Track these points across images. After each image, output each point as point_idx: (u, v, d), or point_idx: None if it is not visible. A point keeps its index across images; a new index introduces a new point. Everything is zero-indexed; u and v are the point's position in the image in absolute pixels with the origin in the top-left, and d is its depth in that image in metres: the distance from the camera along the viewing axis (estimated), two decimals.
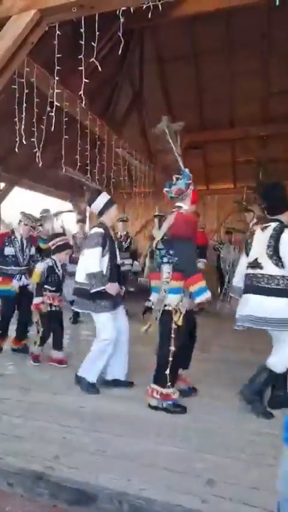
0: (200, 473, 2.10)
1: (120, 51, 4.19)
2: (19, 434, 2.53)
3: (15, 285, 4.30)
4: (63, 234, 4.61)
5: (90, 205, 3.51)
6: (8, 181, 8.86)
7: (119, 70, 8.98)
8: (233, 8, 6.45)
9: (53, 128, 4.11)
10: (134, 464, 2.18)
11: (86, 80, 3.67)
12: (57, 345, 4.04)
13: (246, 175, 9.66)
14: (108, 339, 3.22)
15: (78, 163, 5.56)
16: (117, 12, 3.17)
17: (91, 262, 3.21)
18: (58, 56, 3.68)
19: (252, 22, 7.83)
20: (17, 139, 3.78)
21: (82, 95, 3.73)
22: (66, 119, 5.23)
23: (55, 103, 4.34)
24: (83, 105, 4.85)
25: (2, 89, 3.65)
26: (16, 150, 3.75)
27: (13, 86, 3.80)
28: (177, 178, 3.12)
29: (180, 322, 2.84)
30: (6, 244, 4.34)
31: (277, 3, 3.20)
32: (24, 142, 3.93)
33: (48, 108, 4.15)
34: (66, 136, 4.99)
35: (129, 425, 2.65)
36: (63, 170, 4.59)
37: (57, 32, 3.48)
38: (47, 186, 10.16)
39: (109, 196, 3.42)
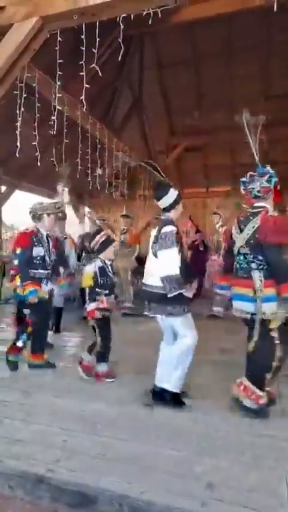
0: (200, 476, 2.11)
1: (120, 57, 4.24)
2: (20, 438, 2.55)
3: (45, 290, 3.86)
4: (100, 229, 4.07)
5: (159, 199, 3.16)
6: (9, 184, 8.91)
7: (119, 75, 9.05)
8: (232, 13, 6.50)
9: (54, 132, 4.15)
10: (135, 467, 2.20)
11: (87, 85, 3.72)
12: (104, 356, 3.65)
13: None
14: (192, 342, 3.02)
15: (79, 167, 5.59)
16: (118, 19, 3.21)
17: (169, 264, 2.90)
18: (59, 61, 3.73)
19: (251, 26, 7.89)
20: (18, 143, 3.81)
21: (83, 100, 3.77)
22: (67, 123, 5.27)
23: (57, 107, 4.40)
24: (84, 110, 4.90)
25: (4, 94, 3.69)
26: (17, 154, 3.78)
27: (15, 92, 3.84)
28: (252, 176, 3.03)
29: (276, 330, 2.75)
30: (35, 243, 3.79)
31: (275, 8, 3.24)
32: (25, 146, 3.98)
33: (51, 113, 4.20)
34: (67, 141, 5.03)
35: (130, 428, 2.67)
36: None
37: (59, 38, 3.53)
38: (48, 190, 10.21)
39: (177, 191, 3.20)
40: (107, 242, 3.67)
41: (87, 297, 3.56)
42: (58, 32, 3.40)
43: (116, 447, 2.42)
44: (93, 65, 3.53)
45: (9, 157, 7.07)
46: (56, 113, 4.26)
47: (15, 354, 3.87)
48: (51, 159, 4.67)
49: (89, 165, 6.03)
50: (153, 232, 3.17)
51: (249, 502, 1.90)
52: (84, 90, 3.70)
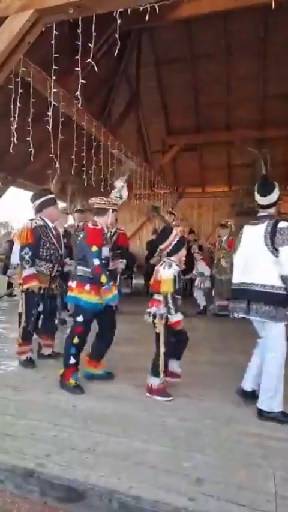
0: (189, 472, 2.12)
1: (117, 53, 4.22)
2: (11, 433, 2.53)
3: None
4: (170, 227, 3.65)
5: (265, 195, 3.05)
6: (3, 181, 8.86)
7: (116, 71, 9.03)
8: (229, 10, 6.51)
9: (50, 128, 4.12)
10: (124, 463, 2.20)
11: (83, 81, 3.69)
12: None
13: (242, 179, 9.74)
14: (284, 351, 2.82)
15: (74, 164, 5.57)
16: (114, 14, 3.20)
17: None
18: (55, 56, 3.70)
19: (248, 26, 7.93)
20: (12, 139, 3.78)
21: (79, 95, 3.75)
22: (63, 119, 5.24)
23: (52, 102, 4.37)
24: (79, 106, 4.87)
25: None
26: (11, 150, 3.75)
27: (9, 86, 3.81)
28: None
29: None
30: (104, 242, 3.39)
31: (273, 6, 3.24)
32: (19, 142, 3.94)
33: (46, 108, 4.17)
34: (62, 137, 5.00)
35: (120, 424, 2.66)
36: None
37: (55, 32, 3.50)
38: (41, 186, 10.17)
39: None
40: (181, 243, 3.31)
41: (167, 305, 3.09)
42: (54, 26, 3.38)
43: (106, 443, 2.42)
44: (89, 60, 3.51)
45: (4, 153, 7.02)
46: (51, 108, 4.24)
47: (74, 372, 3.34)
48: (50, 155, 4.64)
49: (84, 162, 6.00)
50: (254, 228, 3.00)
51: (237, 498, 1.91)
52: (80, 86, 3.68)
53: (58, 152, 4.86)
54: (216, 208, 11.28)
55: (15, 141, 3.84)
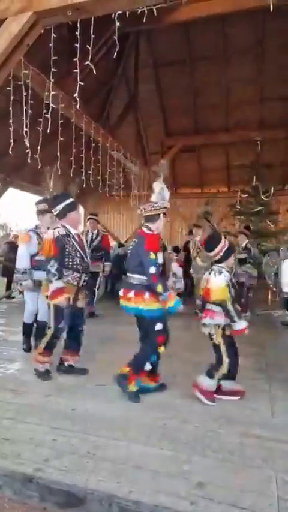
0: (189, 475, 2.10)
1: (115, 55, 4.22)
2: (9, 437, 2.51)
3: None
4: (218, 234, 3.60)
5: None
6: (2, 182, 8.85)
7: (114, 73, 9.04)
8: (227, 14, 6.53)
9: (48, 129, 4.12)
10: (124, 467, 2.18)
11: (81, 83, 3.70)
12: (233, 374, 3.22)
13: (240, 180, 9.76)
14: None
15: (73, 166, 5.57)
16: (113, 16, 3.20)
17: None
18: (54, 58, 3.70)
19: (246, 29, 7.95)
20: (11, 140, 3.78)
21: (77, 97, 3.75)
22: (62, 120, 5.25)
23: (51, 105, 4.37)
24: (78, 107, 4.87)
25: None
26: (10, 152, 3.74)
27: (8, 88, 3.81)
28: None
29: None
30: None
31: (271, 9, 3.25)
32: (19, 142, 3.95)
33: (44, 110, 4.17)
34: (62, 138, 5.01)
35: (120, 428, 2.65)
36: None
37: (53, 34, 3.51)
38: (40, 187, 10.15)
39: None
40: (231, 250, 3.27)
41: (229, 313, 3.01)
42: (52, 28, 3.38)
43: (105, 446, 2.41)
44: (87, 62, 3.52)
45: (3, 154, 7.02)
46: (50, 110, 4.24)
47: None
48: (57, 153, 4.63)
49: (83, 163, 6.01)
50: None
51: (238, 501, 1.89)
52: (78, 87, 3.68)
53: (58, 153, 4.87)
54: (215, 209, 11.30)
55: (16, 142, 3.84)
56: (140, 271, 3.15)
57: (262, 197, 8.82)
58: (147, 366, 3.15)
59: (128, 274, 3.28)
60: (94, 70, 3.71)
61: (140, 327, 3.31)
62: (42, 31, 3.34)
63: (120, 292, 3.27)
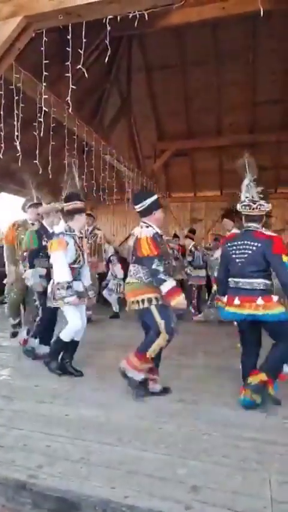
0: (184, 479, 2.09)
1: (107, 59, 4.23)
2: (2, 443, 2.48)
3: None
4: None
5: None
6: None
7: (107, 77, 9.06)
8: (218, 19, 6.59)
9: (41, 133, 4.11)
10: (118, 472, 2.17)
11: (73, 87, 3.70)
12: None
13: (233, 183, 9.78)
14: None
15: (66, 170, 5.55)
16: (104, 21, 3.21)
17: None
18: (45, 62, 3.70)
19: (238, 33, 8.02)
20: (2, 144, 3.76)
21: (69, 101, 3.75)
22: (54, 124, 5.24)
23: (43, 108, 4.36)
24: (70, 111, 4.87)
25: None
26: (0, 156, 3.72)
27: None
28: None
29: None
30: None
31: (261, 13, 3.28)
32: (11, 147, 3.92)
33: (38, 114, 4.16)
34: (53, 143, 5.00)
35: (114, 432, 2.63)
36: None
37: (45, 38, 3.50)
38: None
39: None
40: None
41: None
42: (44, 32, 3.38)
43: (99, 452, 2.39)
44: (79, 66, 3.52)
45: None
46: (42, 114, 4.23)
47: None
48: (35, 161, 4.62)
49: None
50: None
51: (233, 504, 1.89)
52: (70, 91, 3.68)
53: (49, 158, 4.85)
54: (209, 212, 11.34)
55: (6, 147, 3.82)
56: (264, 275, 3.07)
57: None
58: (286, 369, 3.16)
59: (243, 280, 3.11)
60: (86, 74, 3.71)
61: (273, 333, 3.10)
62: (34, 35, 3.34)
63: (237, 301, 3.07)
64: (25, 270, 4.49)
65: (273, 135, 9.37)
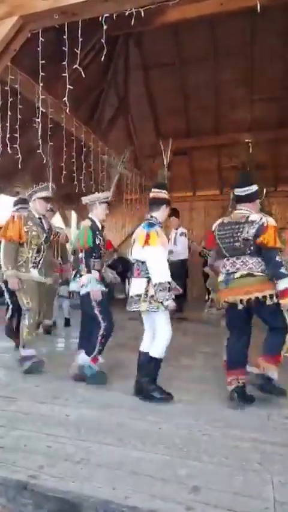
0: (185, 480, 2.08)
1: (104, 58, 4.21)
2: (2, 444, 2.47)
3: None
4: None
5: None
6: None
7: (104, 76, 9.04)
8: (216, 15, 6.57)
9: (39, 134, 4.11)
10: (119, 473, 2.16)
11: (70, 87, 3.68)
12: None
13: (233, 182, 9.76)
14: None
15: (64, 171, 5.54)
16: (100, 19, 3.19)
17: None
18: (42, 62, 3.68)
19: (236, 30, 8.00)
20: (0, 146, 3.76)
21: (66, 101, 3.73)
22: (51, 125, 5.22)
23: (40, 109, 4.35)
24: (67, 112, 4.85)
25: None
26: None
27: None
28: None
29: None
30: None
31: (258, 9, 3.27)
32: (9, 150, 3.91)
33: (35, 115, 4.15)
34: (51, 143, 4.98)
35: (114, 433, 2.62)
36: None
37: (41, 38, 3.49)
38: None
39: None
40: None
41: None
42: (40, 32, 3.36)
43: (100, 452, 2.38)
44: (76, 65, 3.50)
45: None
46: (39, 115, 4.22)
47: None
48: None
49: (75, 167, 5.98)
50: None
51: (235, 505, 1.87)
52: (67, 92, 3.66)
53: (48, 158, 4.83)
54: (208, 211, 11.32)
55: (5, 148, 3.81)
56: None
57: None
58: None
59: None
60: (83, 73, 3.70)
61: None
62: (29, 35, 3.32)
63: None
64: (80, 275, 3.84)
65: (273, 133, 9.35)
